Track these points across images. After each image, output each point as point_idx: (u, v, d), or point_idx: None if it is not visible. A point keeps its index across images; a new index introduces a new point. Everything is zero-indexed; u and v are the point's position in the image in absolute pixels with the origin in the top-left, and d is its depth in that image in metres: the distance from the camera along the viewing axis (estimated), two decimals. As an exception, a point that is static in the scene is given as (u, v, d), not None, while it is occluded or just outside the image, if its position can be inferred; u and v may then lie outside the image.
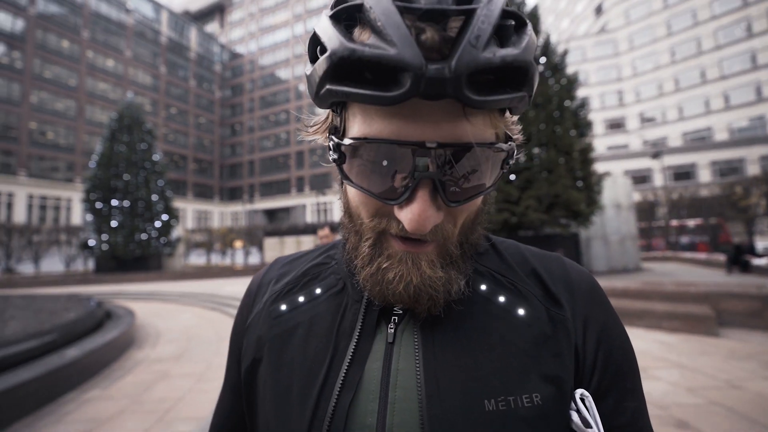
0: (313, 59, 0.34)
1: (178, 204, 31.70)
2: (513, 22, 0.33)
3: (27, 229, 21.48)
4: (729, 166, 29.03)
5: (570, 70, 11.80)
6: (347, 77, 0.31)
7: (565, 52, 11.45)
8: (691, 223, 22.10)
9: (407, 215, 0.33)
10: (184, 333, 6.77)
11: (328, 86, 0.32)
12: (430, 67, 0.28)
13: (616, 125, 37.63)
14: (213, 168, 51.72)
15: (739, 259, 11.73)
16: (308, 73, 0.35)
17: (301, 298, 0.46)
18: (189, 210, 45.86)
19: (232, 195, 52.87)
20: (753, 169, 27.11)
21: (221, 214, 51.21)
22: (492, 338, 0.39)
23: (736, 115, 30.81)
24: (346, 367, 0.39)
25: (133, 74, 41.31)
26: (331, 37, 0.31)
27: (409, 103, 0.30)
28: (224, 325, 7.87)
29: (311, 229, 28.12)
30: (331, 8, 0.34)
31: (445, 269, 0.38)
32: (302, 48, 0.37)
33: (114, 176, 20.08)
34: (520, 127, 0.42)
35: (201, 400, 3.58)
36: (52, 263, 22.10)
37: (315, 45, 0.35)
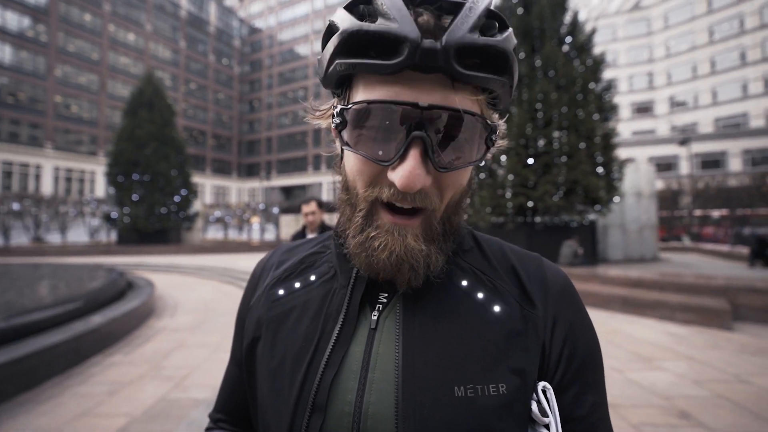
0: (323, 47, 0.40)
1: (196, 179, 32.26)
2: (497, 24, 0.37)
3: (54, 201, 22.40)
4: (763, 155, 27.58)
5: (598, 49, 11.27)
6: (354, 52, 0.36)
7: (593, 31, 10.92)
8: (716, 213, 21.33)
9: (398, 173, 0.36)
10: (201, 305, 7.06)
11: (337, 60, 0.37)
12: (425, 41, 0.33)
13: (643, 109, 36.02)
14: (231, 144, 52.29)
15: (764, 252, 11.31)
16: (320, 56, 0.40)
17: (297, 284, 0.50)
18: (207, 185, 46.82)
19: (249, 171, 53.55)
20: (788, 159, 25.73)
21: (239, 189, 52.09)
22: (467, 331, 0.42)
23: (776, 101, 29.06)
24: (330, 348, 0.43)
25: (154, 48, 41.56)
26: (343, 19, 0.36)
27: (406, 75, 0.35)
28: (240, 299, 8.15)
29: (326, 207, 28.39)
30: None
31: (427, 244, 0.40)
32: (322, 23, 0.40)
33: (135, 150, 20.56)
34: (504, 126, 0.44)
35: (217, 369, 3.77)
36: (78, 234, 23.08)
37: (330, 34, 0.38)
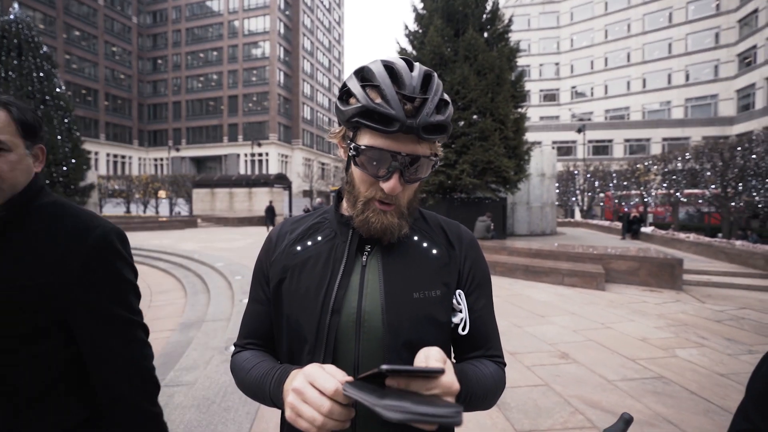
0: (341, 99, 0.67)
1: (88, 146, 27.95)
2: (444, 102, 0.65)
3: None
4: (638, 144, 32.69)
5: (514, 37, 12.13)
6: (366, 116, 0.62)
7: (510, 21, 11.67)
8: (602, 195, 24.99)
9: (387, 186, 0.64)
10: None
11: (356, 118, 0.63)
12: (408, 121, 0.60)
13: (550, 97, 39.85)
14: (131, 107, 45.68)
15: (631, 227, 13.70)
16: (343, 108, 0.65)
17: (309, 243, 0.76)
18: (102, 153, 40.76)
19: (154, 140, 47.56)
20: (656, 149, 30.91)
21: (142, 160, 46.27)
22: (419, 263, 0.73)
23: (650, 98, 34.30)
24: (339, 278, 0.70)
25: (21, -19, 33.74)
26: (363, 96, 0.62)
27: (394, 134, 0.62)
28: (155, 278, 7.54)
29: (245, 181, 26.43)
30: (361, 80, 0.65)
31: (398, 219, 0.69)
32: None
33: (3, 108, 16.94)
34: (441, 150, 0.74)
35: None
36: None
37: (347, 94, 0.66)
